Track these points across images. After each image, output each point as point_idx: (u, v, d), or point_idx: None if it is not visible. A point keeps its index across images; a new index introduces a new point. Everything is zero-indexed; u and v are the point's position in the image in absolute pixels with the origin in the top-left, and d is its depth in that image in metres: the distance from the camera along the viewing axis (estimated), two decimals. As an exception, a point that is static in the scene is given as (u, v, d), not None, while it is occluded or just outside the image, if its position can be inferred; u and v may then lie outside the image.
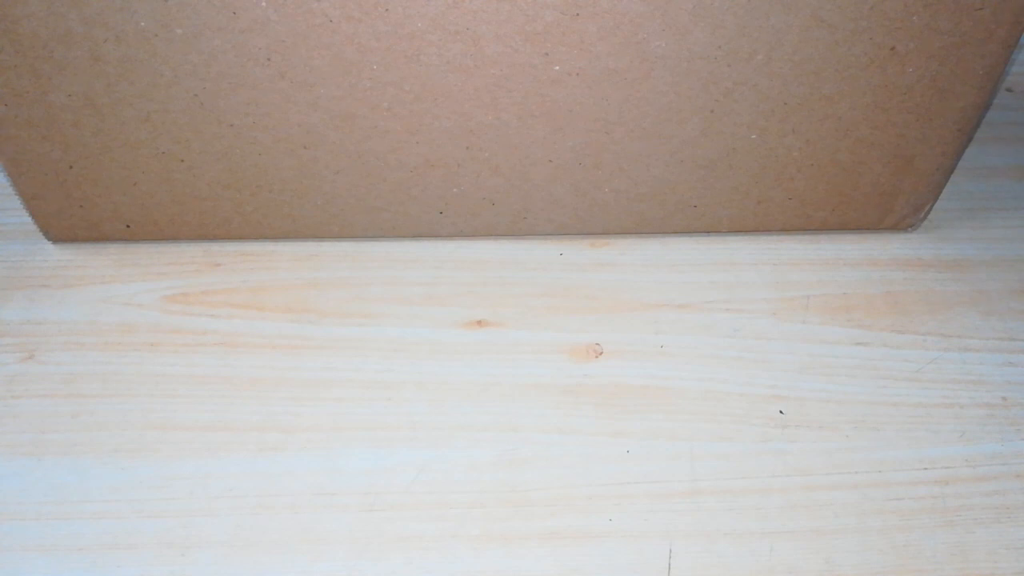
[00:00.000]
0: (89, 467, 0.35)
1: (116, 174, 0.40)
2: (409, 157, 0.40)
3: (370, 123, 0.39)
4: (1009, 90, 0.57)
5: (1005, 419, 0.37)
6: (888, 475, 0.35)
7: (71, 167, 0.40)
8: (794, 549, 0.33)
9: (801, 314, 0.41)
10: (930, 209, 0.45)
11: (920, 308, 0.42)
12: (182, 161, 0.40)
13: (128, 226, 0.43)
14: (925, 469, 0.35)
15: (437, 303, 0.42)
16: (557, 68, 0.37)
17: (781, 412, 0.37)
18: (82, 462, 0.35)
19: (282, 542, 0.33)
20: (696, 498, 0.34)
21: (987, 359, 0.40)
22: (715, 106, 0.39)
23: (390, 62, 0.36)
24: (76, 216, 0.42)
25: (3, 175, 0.47)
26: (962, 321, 0.41)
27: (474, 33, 0.35)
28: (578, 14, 0.35)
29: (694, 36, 0.36)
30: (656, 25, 0.35)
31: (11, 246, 0.44)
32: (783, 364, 0.39)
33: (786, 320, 0.41)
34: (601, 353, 0.39)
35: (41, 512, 0.33)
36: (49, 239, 0.44)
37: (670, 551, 0.33)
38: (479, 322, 0.41)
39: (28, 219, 0.43)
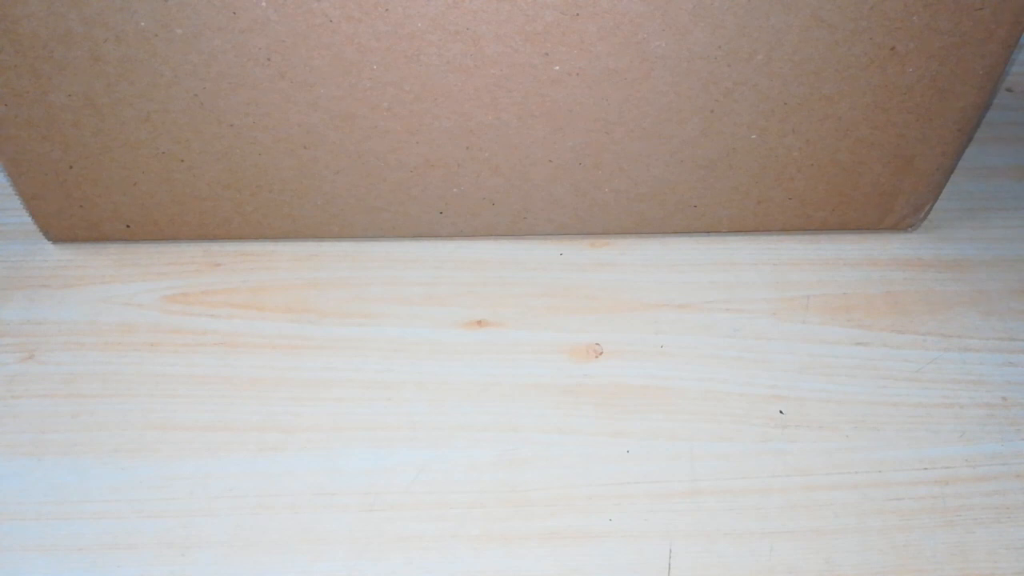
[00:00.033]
0: (89, 467, 0.35)
1: (116, 174, 0.40)
2: (409, 157, 0.40)
3: (370, 123, 0.39)
4: (1009, 90, 0.57)
5: (1005, 419, 0.37)
6: (888, 475, 0.35)
7: (71, 167, 0.40)
8: (794, 549, 0.33)
9: (801, 314, 0.41)
10: (930, 209, 0.45)
11: (920, 308, 0.42)
12: (182, 161, 0.40)
13: (128, 226, 0.43)
14: (925, 469, 0.35)
15: (437, 303, 0.42)
16: (557, 68, 0.37)
17: (781, 412, 0.37)
18: (82, 462, 0.35)
19: (282, 542, 0.33)
20: (696, 498, 0.34)
21: (987, 359, 0.40)
22: (715, 106, 0.39)
23: (390, 62, 0.36)
24: (76, 216, 0.42)
25: (3, 175, 0.47)
26: (962, 321, 0.41)
27: (474, 33, 0.35)
28: (578, 14, 0.35)
29: (694, 36, 0.36)
30: (656, 25, 0.35)
31: (11, 246, 0.44)
32: (783, 364, 0.39)
33: (786, 320, 0.41)
34: (601, 353, 0.39)
35: (41, 512, 0.33)
36: (49, 239, 0.44)
37: (670, 551, 0.33)
38: (479, 322, 0.41)
39: (28, 219, 0.43)
